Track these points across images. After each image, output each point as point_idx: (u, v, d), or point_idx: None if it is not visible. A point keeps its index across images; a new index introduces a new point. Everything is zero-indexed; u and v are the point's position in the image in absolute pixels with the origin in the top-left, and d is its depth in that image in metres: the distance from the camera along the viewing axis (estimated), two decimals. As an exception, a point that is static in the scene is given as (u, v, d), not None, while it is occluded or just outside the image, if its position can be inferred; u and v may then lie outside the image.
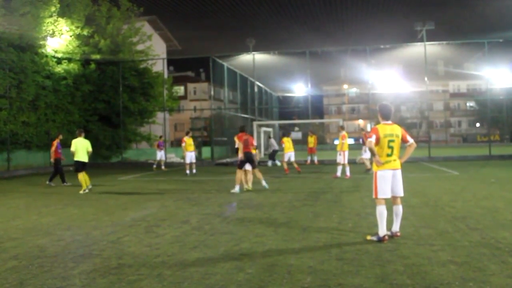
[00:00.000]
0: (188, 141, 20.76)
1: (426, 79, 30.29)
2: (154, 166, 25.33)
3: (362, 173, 18.88)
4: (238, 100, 40.67)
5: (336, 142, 20.14)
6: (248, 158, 13.25)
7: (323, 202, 10.81)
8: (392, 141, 6.73)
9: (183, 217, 9.09)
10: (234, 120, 37.66)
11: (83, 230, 8.05)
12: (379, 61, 46.43)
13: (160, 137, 26.89)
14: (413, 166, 22.11)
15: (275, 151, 25.82)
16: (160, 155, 25.03)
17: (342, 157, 17.30)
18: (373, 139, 6.66)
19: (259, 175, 13.53)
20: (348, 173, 17.41)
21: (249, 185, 13.60)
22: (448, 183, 14.66)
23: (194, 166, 21.28)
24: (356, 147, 51.73)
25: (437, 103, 77.82)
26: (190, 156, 20.85)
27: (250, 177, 13.64)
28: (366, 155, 18.79)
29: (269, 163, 25.31)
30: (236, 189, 13.06)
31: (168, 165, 28.78)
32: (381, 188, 6.68)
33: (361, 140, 18.52)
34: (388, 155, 6.71)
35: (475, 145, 60.81)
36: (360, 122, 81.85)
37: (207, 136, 41.90)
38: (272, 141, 26.53)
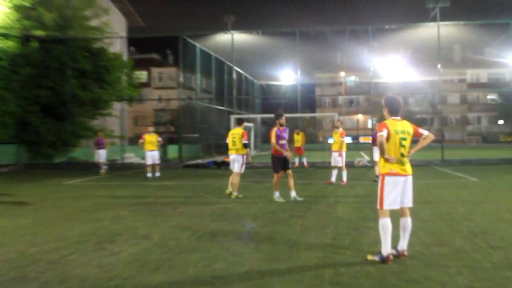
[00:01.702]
0: (148, 138, 20.59)
1: (439, 66, 30.53)
2: (103, 168, 24.38)
3: (363, 179, 18.93)
4: (213, 89, 40.59)
5: (330, 140, 20.23)
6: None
7: (314, 213, 10.79)
8: (404, 139, 6.79)
9: (142, 231, 9.00)
10: (207, 112, 37.57)
11: (16, 247, 7.89)
12: (383, 45, 46.70)
13: (99, 131, 26.03)
14: (423, 170, 22.29)
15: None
16: (100, 155, 24.23)
17: (341, 159, 17.37)
18: (384, 133, 6.68)
19: (290, 182, 13.34)
20: (344, 179, 17.47)
21: (231, 191, 13.90)
22: (465, 191, 14.77)
23: (157, 168, 21.14)
24: (353, 147, 52.25)
25: (452, 95, 78.82)
26: (152, 156, 20.71)
27: (236, 180, 13.91)
28: (377, 156, 18.63)
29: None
30: (276, 195, 13.15)
31: (126, 166, 28.54)
32: (389, 197, 6.67)
33: (372, 139, 18.54)
34: (401, 155, 6.76)
35: (497, 146, 61.63)
36: (360, 116, 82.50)
37: (175, 131, 41.72)
38: None
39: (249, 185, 15.05)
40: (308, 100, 71.53)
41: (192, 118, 35.71)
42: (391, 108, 6.92)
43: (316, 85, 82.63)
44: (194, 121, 35.58)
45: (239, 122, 14.65)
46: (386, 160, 6.67)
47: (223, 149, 28.55)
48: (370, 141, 18.83)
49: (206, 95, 44.26)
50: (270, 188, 16.10)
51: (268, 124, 38.04)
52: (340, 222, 9.71)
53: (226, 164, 26.59)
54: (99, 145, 24.23)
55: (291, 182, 13.11)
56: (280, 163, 13.03)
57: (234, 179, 14.00)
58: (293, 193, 13.04)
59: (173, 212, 11.26)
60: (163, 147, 31.51)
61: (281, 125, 13.00)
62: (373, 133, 18.48)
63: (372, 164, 19.51)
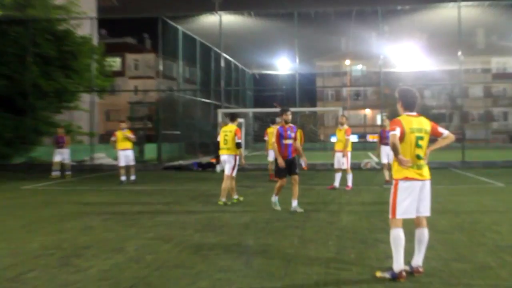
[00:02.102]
0: (120, 136, 20.47)
1: (459, 53, 30.65)
2: (54, 173, 23.77)
3: (371, 183, 18.95)
4: (198, 78, 40.52)
5: (333, 139, 20.29)
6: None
7: (314, 223, 10.81)
8: (421, 138, 6.76)
9: (115, 244, 8.98)
10: (191, 106, 37.52)
11: (-32, 262, 7.84)
12: (394, 29, 46.73)
13: (59, 128, 25.28)
14: (440, 174, 22.35)
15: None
16: (59, 155, 23.89)
17: (346, 161, 17.38)
18: (397, 132, 6.65)
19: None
20: (350, 183, 17.48)
21: (221, 201, 13.94)
22: (490, 198, 14.81)
23: (132, 170, 21.02)
24: (360, 147, 52.30)
25: (474, 87, 79.00)
26: (125, 156, 20.57)
27: (226, 184, 14.00)
28: (385, 158, 18.54)
29: (218, 168, 25.63)
30: (274, 200, 13.18)
31: (96, 168, 28.45)
32: (403, 205, 6.66)
33: (379, 136, 18.52)
34: (417, 158, 6.73)
35: (526, 146, 61.97)
36: (367, 111, 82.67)
37: (153, 128, 41.61)
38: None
39: (238, 190, 15.04)
40: (307, 92, 71.50)
41: (173, 113, 35.64)
42: (406, 102, 6.91)
43: (317, 75, 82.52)
44: (175, 116, 35.53)
45: (233, 117, 14.66)
46: (400, 163, 6.62)
47: (209, 148, 28.65)
48: (377, 140, 18.81)
49: (189, 86, 44.19)
50: (263, 194, 16.13)
51: (261, 120, 37.97)
52: (344, 233, 9.72)
53: (212, 166, 26.58)
54: (59, 144, 23.93)
55: (296, 189, 12.75)
56: (285, 169, 12.75)
57: (224, 183, 14.03)
58: (294, 203, 12.70)
59: (151, 222, 11.24)
60: (139, 146, 31.48)
61: (286, 122, 12.87)
62: (380, 130, 18.47)
63: (381, 166, 19.52)
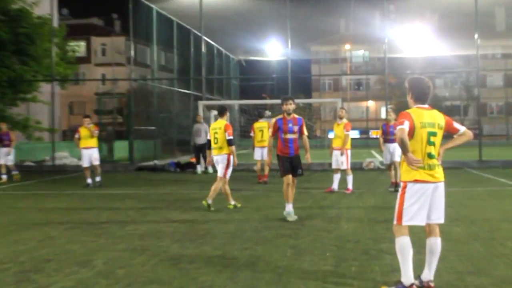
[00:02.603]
0: (84, 132, 20.33)
1: (476, 37, 30.77)
2: (3, 176, 23.22)
3: (374, 186, 19.00)
4: (175, 66, 40.47)
5: (330, 135, 20.31)
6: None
7: (310, 231, 10.84)
8: (434, 134, 6.71)
9: (81, 256, 8.98)
10: (167, 97, 37.45)
11: None
12: (401, 8, 46.91)
13: (2, 123, 24.84)
14: (454, 174, 22.39)
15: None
16: (3, 156, 23.17)
17: (345, 159, 17.40)
18: (405, 126, 6.58)
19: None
20: (350, 186, 17.50)
21: (206, 201, 14.00)
22: (511, 203, 14.92)
23: (97, 171, 20.81)
24: (362, 144, 52.30)
25: (493, 75, 79.22)
26: (89, 155, 20.43)
27: (217, 186, 14.14)
28: (396, 156, 18.31)
29: (198, 168, 25.79)
30: (288, 209, 12.63)
31: (59, 169, 28.34)
32: (410, 210, 6.65)
33: (382, 131, 18.39)
34: (429, 157, 6.70)
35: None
36: (370, 103, 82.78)
37: (123, 123, 41.48)
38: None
39: (219, 193, 15.06)
40: (301, 81, 71.55)
41: (147, 105, 35.59)
42: (417, 92, 6.89)
43: (312, 61, 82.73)
44: (149, 109, 35.48)
45: (221, 111, 14.66)
46: (409, 163, 6.53)
47: (189, 146, 28.58)
48: (379, 136, 18.69)
49: (165, 75, 44.12)
50: (250, 198, 16.17)
51: (249, 114, 37.93)
52: (344, 243, 9.75)
53: (192, 167, 26.54)
54: (2, 142, 23.12)
55: (293, 193, 12.72)
56: (288, 165, 12.57)
57: (216, 183, 14.13)
58: (288, 207, 12.57)
59: (122, 231, 11.24)
60: (108, 144, 31.41)
61: (287, 113, 12.64)
62: (383, 125, 18.36)
63: (385, 166, 19.57)
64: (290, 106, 12.57)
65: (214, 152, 14.28)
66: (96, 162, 20.58)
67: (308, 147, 12.95)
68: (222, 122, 14.33)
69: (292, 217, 12.32)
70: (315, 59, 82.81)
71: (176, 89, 38.47)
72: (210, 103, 35.07)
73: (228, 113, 14.75)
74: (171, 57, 40.82)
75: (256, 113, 23.15)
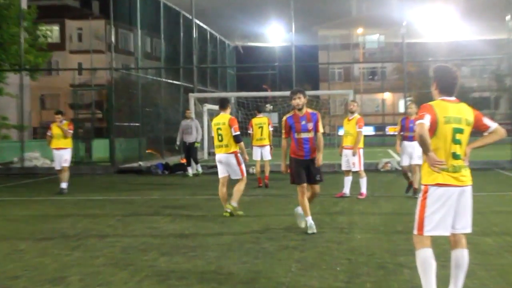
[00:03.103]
0: (56, 130, 20.18)
1: (508, 18, 30.72)
2: None
3: (391, 190, 18.99)
4: (162, 53, 40.40)
5: (340, 132, 20.17)
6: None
7: (318, 243, 10.81)
8: (460, 131, 6.63)
9: (54, 272, 8.95)
10: (153, 89, 37.39)
11: None
12: (422, -14, 46.89)
13: None
14: (483, 177, 22.33)
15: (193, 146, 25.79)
16: None
17: (357, 160, 17.34)
18: (426, 121, 6.51)
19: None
20: (364, 190, 17.45)
21: (231, 205, 14.11)
22: (547, 208, 14.88)
23: (65, 176, 20.36)
24: (377, 143, 52.23)
25: (527, 63, 79.16)
26: (59, 156, 20.31)
27: (241, 187, 14.26)
28: (416, 159, 18.06)
29: (190, 170, 25.75)
30: (309, 222, 12.14)
31: (28, 172, 28.32)
32: (433, 218, 6.59)
33: (400, 127, 17.93)
34: (454, 157, 6.63)
35: None
36: (386, 96, 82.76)
37: (103, 119, 41.46)
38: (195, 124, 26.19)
39: (214, 198, 15.08)
40: (307, 70, 71.42)
41: (130, 99, 35.54)
42: (442, 83, 6.82)
43: (320, 48, 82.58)
44: (133, 103, 35.42)
45: (223, 104, 14.59)
46: (431, 164, 6.46)
47: (175, 144, 28.47)
48: (397, 133, 18.27)
49: (151, 63, 44.12)
50: (249, 204, 16.15)
51: (247, 108, 37.81)
52: (357, 256, 9.72)
53: (183, 169, 26.53)
54: None
55: (309, 202, 12.21)
56: (302, 170, 11.99)
57: (238, 185, 14.30)
58: (308, 220, 12.04)
59: (102, 243, 11.20)
60: (85, 143, 31.39)
61: (298, 109, 12.05)
62: (402, 119, 17.94)
63: (401, 169, 19.46)
64: (299, 100, 11.93)
65: (217, 150, 14.21)
66: (65, 163, 20.15)
67: (321, 147, 12.24)
68: (226, 116, 14.28)
69: (312, 229, 11.90)
70: (323, 45, 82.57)
71: (164, 79, 38.38)
72: (203, 95, 35.12)
73: (230, 106, 14.72)
74: (158, 43, 40.79)
75: (255, 107, 23.11)
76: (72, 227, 13.12)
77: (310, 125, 11.98)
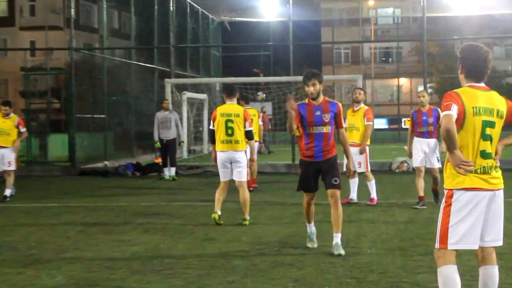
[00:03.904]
0: (1, 125, 20.06)
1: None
2: None
3: (408, 195, 19.05)
4: (132, 30, 40.40)
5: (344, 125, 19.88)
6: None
7: (319, 258, 10.85)
8: (491, 125, 6.55)
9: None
10: (122, 74, 37.42)
11: None
12: None
13: None
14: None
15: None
16: None
17: (364, 160, 17.42)
18: (453, 112, 6.43)
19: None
20: (374, 194, 17.47)
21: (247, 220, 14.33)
22: None
23: (9, 179, 20.26)
24: (390, 138, 52.23)
25: None
26: (1, 156, 20.16)
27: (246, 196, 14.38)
28: (435, 161, 17.88)
29: (166, 171, 25.51)
30: (309, 230, 12.10)
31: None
32: (459, 229, 6.56)
33: (412, 121, 17.60)
34: (483, 156, 6.56)
35: None
36: (403, 81, 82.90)
37: (61, 109, 41.43)
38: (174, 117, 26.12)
39: (195, 205, 15.12)
40: (308, 51, 71.63)
41: (93, 85, 35.56)
42: (470, 66, 6.72)
43: (322, 24, 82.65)
44: (97, 91, 35.44)
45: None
46: (456, 164, 6.41)
47: (150, 141, 28.56)
48: (409, 127, 17.94)
49: (120, 43, 44.14)
50: (237, 212, 16.08)
51: (228, 91, 37.83)
52: (366, 273, 9.76)
53: (157, 170, 26.56)
54: None
55: (336, 214, 11.44)
56: (310, 175, 11.45)
57: (242, 195, 14.37)
58: (335, 239, 11.35)
59: (59, 259, 11.20)
60: (40, 139, 31.40)
61: (312, 98, 11.26)
62: (413, 112, 17.50)
63: (402, 167, 19.54)
64: (314, 88, 11.12)
65: (223, 147, 14.12)
66: (9, 167, 19.89)
67: (348, 148, 12.00)
68: (238, 106, 14.47)
69: (313, 243, 11.88)
70: (327, 21, 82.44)
71: (135, 62, 38.43)
72: (182, 81, 35.11)
73: (237, 93, 14.78)
74: (127, 18, 40.88)
75: (242, 97, 23.18)
76: (24, 240, 13.12)
77: (327, 117, 11.21)
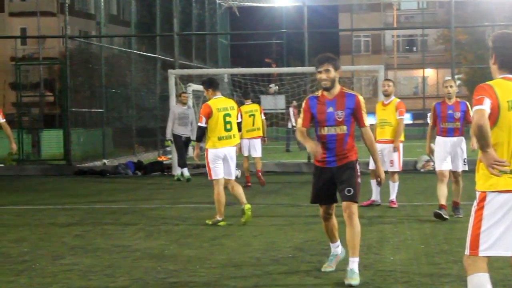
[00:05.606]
0: None
1: None
2: None
3: (434, 196, 19.04)
4: (132, 17, 40.45)
5: (371, 120, 19.52)
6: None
7: (337, 266, 10.71)
8: None
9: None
10: (121, 64, 37.45)
11: None
12: None
13: None
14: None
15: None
16: None
17: (397, 157, 17.44)
18: (486, 107, 6.35)
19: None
20: (394, 197, 17.40)
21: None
22: None
23: None
24: (414, 135, 52.20)
25: None
26: None
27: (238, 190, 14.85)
28: (460, 163, 17.45)
29: (178, 171, 25.45)
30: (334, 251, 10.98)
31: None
32: (492, 234, 6.52)
33: (434, 116, 17.28)
34: None
35: None
36: (428, 73, 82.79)
37: (55, 103, 41.50)
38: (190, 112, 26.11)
39: (202, 208, 15.10)
40: (324, 39, 71.59)
41: (90, 77, 35.61)
42: (504, 55, 6.66)
43: (340, 9, 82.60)
44: (95, 82, 35.49)
45: (216, 84, 15.04)
46: (488, 165, 6.31)
47: (153, 137, 28.60)
48: (429, 123, 17.57)
49: (119, 30, 44.19)
50: (237, 215, 16.06)
51: (245, 88, 37.80)
52: (390, 283, 9.76)
53: (161, 169, 26.58)
54: None
55: (351, 236, 10.12)
56: (322, 184, 10.27)
57: (238, 189, 15.05)
58: (350, 264, 9.91)
59: (54, 265, 11.22)
60: (33, 135, 31.48)
61: (325, 88, 9.97)
62: (435, 105, 16.94)
63: (428, 166, 19.51)
64: (327, 74, 9.85)
65: (222, 143, 14.40)
66: None
67: (375, 149, 10.88)
68: (230, 99, 15.50)
69: (325, 267, 10.60)
70: (345, 6, 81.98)
71: (135, 51, 38.48)
72: (187, 72, 35.06)
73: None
74: (127, 3, 40.85)
75: (245, 90, 23.27)
76: (16, 245, 13.17)
77: (340, 115, 9.94)
